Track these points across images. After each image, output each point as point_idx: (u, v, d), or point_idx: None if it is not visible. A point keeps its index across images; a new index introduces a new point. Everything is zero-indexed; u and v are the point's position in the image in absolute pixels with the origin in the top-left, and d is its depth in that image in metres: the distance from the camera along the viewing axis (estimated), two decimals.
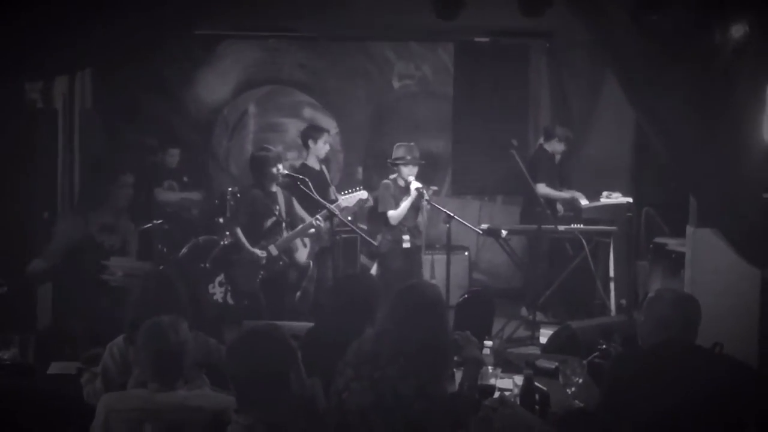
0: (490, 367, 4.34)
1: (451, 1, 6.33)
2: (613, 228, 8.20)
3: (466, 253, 9.42)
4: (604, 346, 5.24)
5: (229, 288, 7.75)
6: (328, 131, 8.39)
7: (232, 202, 8.23)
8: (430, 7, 6.34)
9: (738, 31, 5.39)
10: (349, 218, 7.54)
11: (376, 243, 7.47)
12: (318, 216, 7.04)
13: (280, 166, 7.20)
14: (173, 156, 9.10)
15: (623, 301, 8.28)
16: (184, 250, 8.23)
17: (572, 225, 8.10)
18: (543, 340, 7.21)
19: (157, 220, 8.24)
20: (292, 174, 7.32)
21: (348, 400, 3.64)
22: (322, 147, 8.07)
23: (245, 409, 3.29)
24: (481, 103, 10.05)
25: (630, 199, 8.44)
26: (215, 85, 9.92)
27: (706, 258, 6.11)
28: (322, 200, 6.98)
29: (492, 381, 4.29)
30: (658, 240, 7.84)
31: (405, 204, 7.37)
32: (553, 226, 7.91)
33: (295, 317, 6.71)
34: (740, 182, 5.70)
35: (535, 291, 8.24)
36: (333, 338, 4.10)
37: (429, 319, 3.72)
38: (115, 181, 7.26)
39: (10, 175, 6.07)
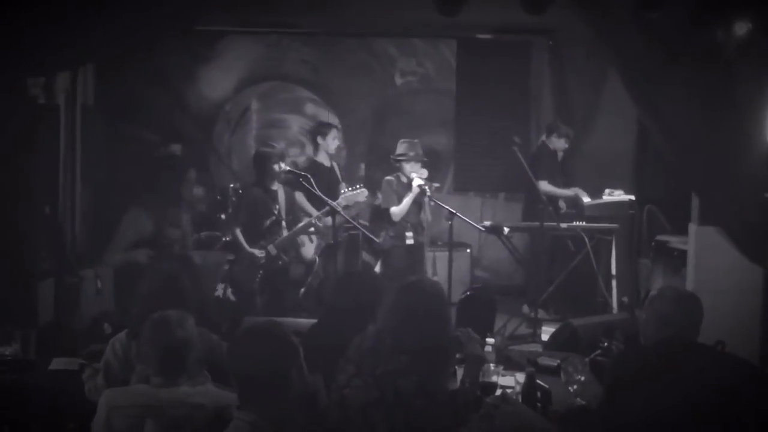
0: (491, 365, 4.33)
1: None
2: (615, 225, 8.19)
3: (468, 250, 9.42)
4: (606, 344, 5.23)
5: (229, 285, 7.78)
6: (336, 126, 8.40)
7: (233, 198, 8.23)
8: (433, 3, 6.33)
9: (740, 29, 5.39)
10: (355, 214, 7.53)
11: (379, 240, 7.47)
12: (318, 214, 7.05)
13: (282, 164, 7.21)
14: (175, 151, 9.09)
15: (625, 299, 8.28)
16: None
17: (574, 222, 8.10)
18: (545, 337, 7.21)
19: None
20: (295, 171, 7.32)
21: (349, 396, 3.64)
22: (331, 143, 8.08)
23: (247, 406, 3.29)
24: (484, 100, 10.03)
25: (632, 197, 8.43)
26: (217, 80, 9.91)
27: (708, 256, 6.11)
28: (324, 197, 6.98)
29: (494, 378, 4.27)
30: (660, 238, 7.83)
31: (407, 200, 7.36)
32: (555, 224, 7.90)
33: (299, 313, 6.72)
34: (742, 180, 5.70)
35: (536, 288, 8.24)
36: (335, 335, 4.11)
37: (431, 316, 3.72)
38: (181, 176, 7.33)
39: (12, 171, 6.06)
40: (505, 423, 3.67)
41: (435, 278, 8.14)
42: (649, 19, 5.37)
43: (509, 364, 4.76)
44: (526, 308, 8.49)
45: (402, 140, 7.60)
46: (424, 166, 7.49)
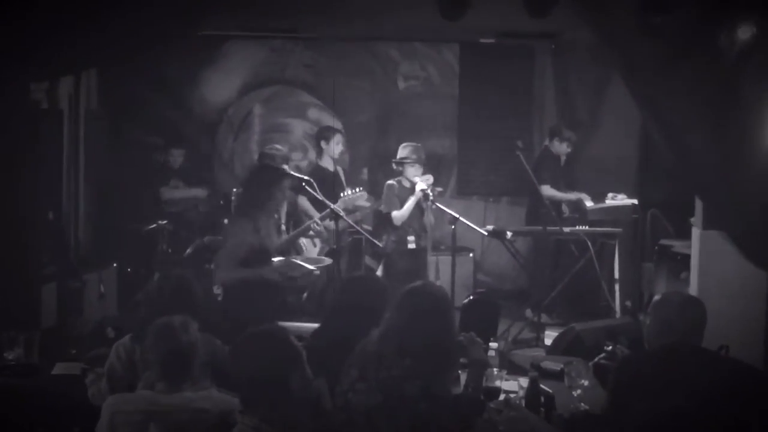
0: (495, 369, 4.33)
1: (456, 2, 6.32)
2: (619, 230, 8.19)
3: (471, 255, 9.41)
4: (610, 347, 5.22)
5: None
6: (340, 131, 8.40)
7: (236, 203, 8.22)
8: (436, 7, 6.33)
9: (744, 32, 5.37)
10: (359, 218, 7.51)
11: (381, 244, 7.46)
12: (318, 217, 7.05)
13: (286, 167, 7.21)
14: (178, 156, 9.09)
15: (628, 303, 8.27)
16: (189, 250, 8.23)
17: (577, 226, 8.09)
18: (548, 341, 7.20)
19: (162, 220, 8.27)
20: (296, 175, 7.32)
21: (353, 400, 3.64)
22: (335, 147, 8.08)
23: (250, 411, 3.29)
24: (486, 104, 10.04)
25: (635, 201, 8.42)
26: (220, 85, 9.92)
27: (712, 260, 6.10)
28: (327, 201, 6.98)
29: (497, 383, 4.27)
30: (664, 242, 7.83)
31: (409, 204, 7.34)
32: (558, 228, 7.90)
33: (301, 317, 6.71)
34: (747, 184, 5.67)
35: (540, 292, 8.24)
36: (339, 339, 4.11)
37: (435, 320, 3.72)
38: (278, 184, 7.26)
39: (16, 176, 6.07)
40: (509, 428, 3.68)
41: (438, 282, 8.14)
42: (652, 23, 5.36)
43: (513, 368, 4.76)
44: (529, 312, 8.47)
45: (404, 144, 7.60)
46: (427, 170, 7.48)
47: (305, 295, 7.64)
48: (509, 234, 7.85)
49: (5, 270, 6.06)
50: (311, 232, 7.35)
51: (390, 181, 7.53)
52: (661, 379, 3.69)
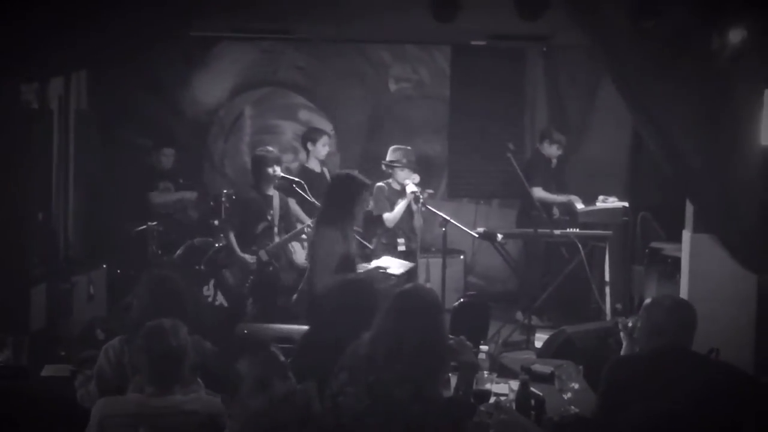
0: (485, 372, 4.32)
1: (448, 4, 6.33)
2: (609, 232, 8.18)
3: (462, 257, 9.40)
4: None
5: (219, 291, 7.78)
6: (327, 133, 8.38)
7: (227, 205, 8.21)
8: (428, 9, 6.33)
9: (736, 36, 5.39)
10: None
11: (371, 246, 7.45)
12: (308, 223, 7.04)
13: (278, 168, 7.21)
14: (168, 157, 9.05)
15: (618, 306, 8.27)
16: (179, 251, 8.22)
17: (568, 229, 8.09)
18: (538, 344, 7.21)
19: (152, 222, 8.25)
20: (288, 177, 7.32)
21: (343, 404, 3.63)
22: (321, 149, 8.06)
23: (236, 415, 3.29)
24: (478, 107, 10.03)
25: (626, 204, 8.42)
26: (211, 86, 9.89)
27: (703, 263, 6.11)
28: (316, 202, 6.97)
29: (487, 386, 4.27)
30: (654, 245, 7.83)
31: (399, 207, 7.34)
32: (548, 230, 7.90)
33: (290, 320, 6.69)
34: (737, 187, 5.70)
35: (530, 295, 8.24)
36: (328, 342, 4.09)
37: (425, 323, 3.70)
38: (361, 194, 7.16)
39: (5, 176, 6.05)
40: (500, 431, 3.66)
41: (428, 285, 8.13)
42: (644, 27, 5.38)
43: (503, 371, 4.75)
44: (519, 315, 8.48)
45: (394, 147, 7.59)
46: (416, 171, 7.47)
47: (294, 297, 7.61)
48: (500, 236, 7.84)
49: None
50: (303, 236, 7.35)
51: (380, 183, 7.52)
52: (650, 382, 3.70)
